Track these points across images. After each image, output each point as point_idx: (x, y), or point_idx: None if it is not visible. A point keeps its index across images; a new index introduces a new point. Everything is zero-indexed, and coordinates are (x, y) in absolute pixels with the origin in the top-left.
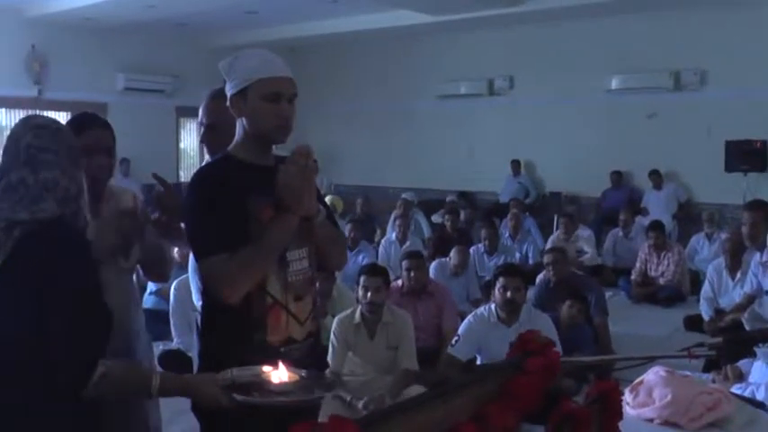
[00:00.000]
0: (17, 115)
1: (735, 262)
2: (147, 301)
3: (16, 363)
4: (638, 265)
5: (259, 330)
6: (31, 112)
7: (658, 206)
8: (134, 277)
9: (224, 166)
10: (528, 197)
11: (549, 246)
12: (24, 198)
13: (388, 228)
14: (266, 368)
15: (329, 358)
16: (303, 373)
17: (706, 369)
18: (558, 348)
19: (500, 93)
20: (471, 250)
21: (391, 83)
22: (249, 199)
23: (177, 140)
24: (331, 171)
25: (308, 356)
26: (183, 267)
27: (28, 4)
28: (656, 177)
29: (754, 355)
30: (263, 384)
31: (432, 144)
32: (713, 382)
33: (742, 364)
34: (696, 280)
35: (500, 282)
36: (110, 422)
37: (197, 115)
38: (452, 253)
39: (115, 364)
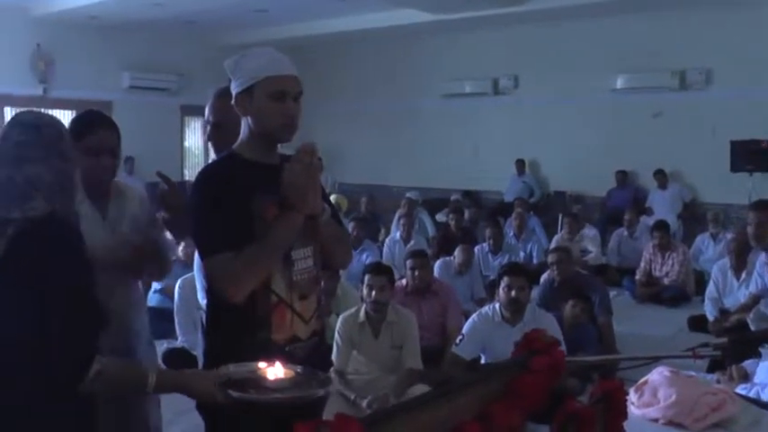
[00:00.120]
0: None
1: (740, 262)
2: (152, 299)
3: (16, 364)
4: (642, 264)
5: (264, 329)
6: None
7: (663, 206)
8: None
9: (229, 164)
10: (532, 196)
11: (553, 245)
12: (15, 196)
13: (393, 227)
14: (262, 364)
15: (333, 357)
16: (299, 369)
17: (711, 369)
18: (563, 348)
19: (505, 92)
20: (476, 249)
21: (396, 82)
22: (254, 197)
23: (182, 139)
24: (335, 170)
25: (313, 355)
26: (188, 266)
27: (33, 2)
28: (661, 177)
29: (759, 355)
30: (259, 381)
31: (436, 143)
32: (718, 382)
33: (747, 364)
34: (701, 280)
35: (504, 281)
36: (110, 422)
37: (202, 114)
38: (457, 252)
39: (111, 361)
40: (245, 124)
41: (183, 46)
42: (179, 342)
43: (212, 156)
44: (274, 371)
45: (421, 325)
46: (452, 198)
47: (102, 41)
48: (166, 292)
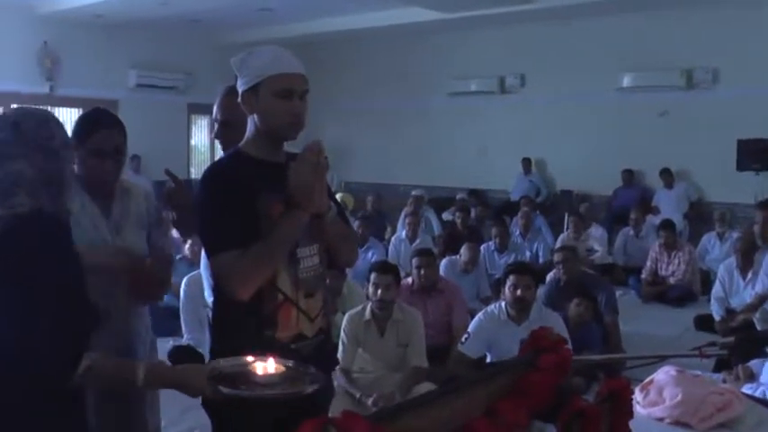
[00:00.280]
0: None
1: (746, 261)
2: None
3: (4, 362)
4: (648, 264)
5: (270, 327)
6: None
7: (669, 205)
8: None
9: (235, 162)
10: (539, 195)
11: (559, 244)
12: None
13: (399, 225)
14: (251, 359)
15: (339, 355)
16: (290, 363)
17: (717, 369)
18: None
19: (511, 90)
20: (482, 248)
21: (402, 80)
22: (260, 196)
23: (188, 137)
24: (342, 168)
25: (319, 353)
26: (195, 264)
27: (40, 0)
28: (668, 176)
29: (765, 355)
30: (249, 376)
31: (443, 142)
32: (724, 381)
33: (753, 364)
34: (707, 279)
35: (510, 280)
36: (110, 422)
37: (209, 112)
38: (463, 250)
39: (100, 356)
40: (251, 122)
41: (189, 44)
42: (185, 340)
43: (219, 154)
44: (265, 366)
45: (427, 323)
46: (458, 197)
47: (109, 40)
48: (172, 291)
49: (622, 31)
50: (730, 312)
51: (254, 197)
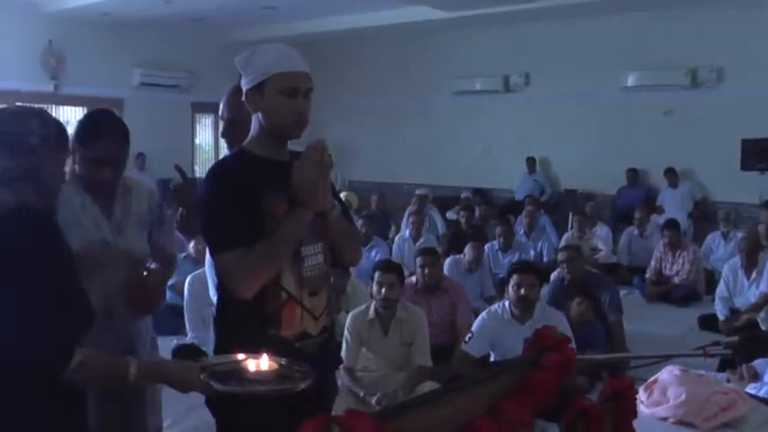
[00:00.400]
0: None
1: (750, 261)
2: None
3: (4, 362)
4: (652, 263)
5: (274, 325)
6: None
7: (674, 204)
8: None
9: (239, 161)
10: (543, 194)
11: (563, 243)
12: None
13: (403, 224)
14: (242, 356)
15: (343, 354)
16: (283, 361)
17: (721, 368)
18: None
19: (515, 89)
20: (486, 247)
21: (407, 79)
22: (264, 194)
23: (193, 136)
24: (346, 167)
25: (323, 351)
26: (199, 262)
27: None
28: (672, 175)
29: None
30: (242, 372)
31: (447, 140)
32: (728, 381)
33: (757, 363)
34: (711, 279)
35: (514, 279)
36: (111, 423)
37: (212, 111)
38: (467, 249)
39: (92, 352)
40: (255, 121)
41: (193, 43)
42: (189, 338)
43: (223, 152)
44: (257, 362)
45: (430, 322)
46: (463, 196)
47: (113, 38)
48: (176, 289)
49: (627, 29)
50: (734, 312)
51: (258, 196)
